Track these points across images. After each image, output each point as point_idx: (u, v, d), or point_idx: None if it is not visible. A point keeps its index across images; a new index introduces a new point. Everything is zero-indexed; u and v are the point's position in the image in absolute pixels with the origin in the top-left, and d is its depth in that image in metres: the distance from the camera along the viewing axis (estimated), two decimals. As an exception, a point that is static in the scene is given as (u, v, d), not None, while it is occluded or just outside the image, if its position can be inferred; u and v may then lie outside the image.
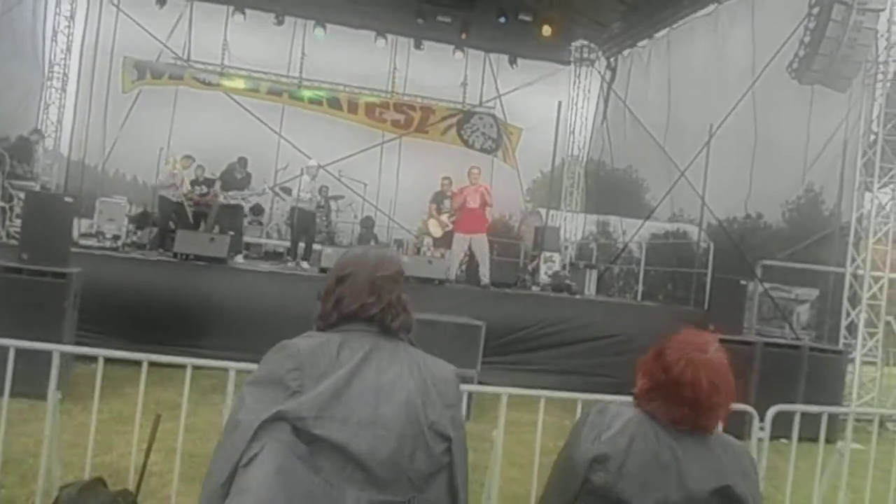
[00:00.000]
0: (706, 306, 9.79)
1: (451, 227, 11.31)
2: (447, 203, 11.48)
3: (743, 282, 9.25)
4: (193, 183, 11.51)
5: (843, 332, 9.73)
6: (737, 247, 11.28)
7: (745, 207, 12.21)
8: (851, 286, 9.77)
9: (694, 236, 12.84)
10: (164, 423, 3.56)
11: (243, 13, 14.91)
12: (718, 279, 9.63)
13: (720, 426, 1.85)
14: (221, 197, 10.96)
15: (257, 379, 1.65)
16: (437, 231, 11.71)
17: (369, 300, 1.73)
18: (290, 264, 10.91)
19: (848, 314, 9.73)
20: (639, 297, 12.72)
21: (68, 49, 14.85)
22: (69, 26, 14.85)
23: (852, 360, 9.31)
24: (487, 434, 4.04)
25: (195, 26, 15.42)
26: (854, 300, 9.73)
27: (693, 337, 1.91)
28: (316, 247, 11.26)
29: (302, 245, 11.09)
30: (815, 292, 11.12)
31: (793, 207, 12.05)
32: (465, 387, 4.32)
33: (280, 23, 15.14)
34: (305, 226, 11.17)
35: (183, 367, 3.85)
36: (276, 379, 1.61)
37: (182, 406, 3.83)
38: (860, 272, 9.72)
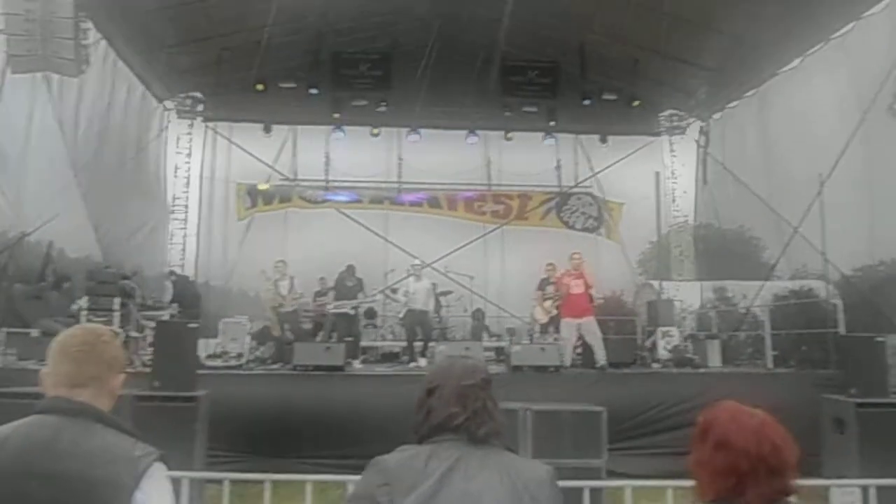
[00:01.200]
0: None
1: (556, 312, 11.21)
2: (549, 289, 11.42)
3: (880, 338, 8.42)
4: (317, 294, 11.87)
5: None
6: (867, 300, 10.47)
7: (870, 255, 11.42)
8: None
9: (821, 292, 11.97)
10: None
11: (342, 130, 15.80)
12: (851, 338, 8.86)
13: None
14: (331, 306, 11.20)
15: (352, 497, 1.77)
16: (542, 317, 11.67)
17: (455, 409, 1.78)
18: (411, 364, 10.88)
19: None
20: (769, 365, 11.82)
21: (188, 184, 16.11)
22: (188, 162, 16.16)
23: None
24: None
25: (299, 148, 16.54)
26: None
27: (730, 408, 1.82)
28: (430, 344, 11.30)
29: (420, 344, 11.12)
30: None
31: (923, 250, 11.15)
32: (585, 483, 4.12)
33: (377, 134, 15.91)
34: (418, 324, 11.24)
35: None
36: (368, 495, 1.68)
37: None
38: None
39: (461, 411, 1.78)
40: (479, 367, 1.91)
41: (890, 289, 11.14)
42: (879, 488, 4.25)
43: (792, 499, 1.70)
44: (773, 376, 10.75)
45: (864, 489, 4.31)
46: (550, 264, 11.75)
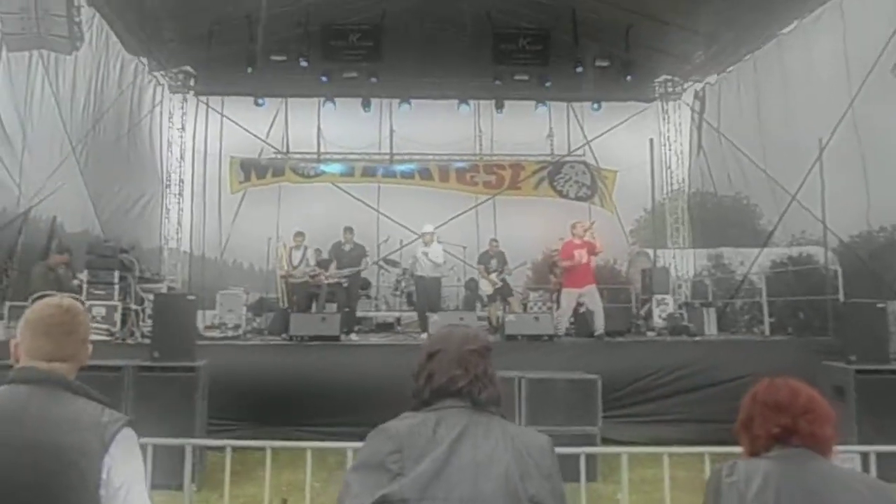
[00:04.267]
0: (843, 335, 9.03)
1: (500, 283, 12.10)
2: (494, 262, 12.19)
3: (880, 304, 8.37)
4: (318, 264, 11.98)
5: None
6: (867, 267, 10.51)
7: (867, 222, 11.47)
8: None
9: (819, 258, 11.99)
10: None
11: (333, 102, 15.79)
12: (851, 304, 8.65)
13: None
14: (323, 276, 11.20)
15: (359, 464, 1.72)
16: (488, 289, 12.41)
17: (457, 372, 1.80)
18: (422, 336, 10.75)
19: None
20: (767, 332, 11.81)
21: (182, 157, 16.21)
22: (181, 136, 16.22)
23: None
24: (615, 495, 3.95)
25: (291, 120, 16.62)
26: None
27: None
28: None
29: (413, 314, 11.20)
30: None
31: (921, 213, 11.18)
32: (581, 449, 4.23)
33: (367, 105, 15.89)
34: (430, 294, 11.25)
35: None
36: (377, 463, 1.67)
37: (305, 490, 4.00)
38: None
39: (463, 374, 1.80)
40: (480, 334, 1.94)
41: (889, 255, 11.13)
42: (879, 455, 4.25)
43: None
44: (770, 343, 10.70)
45: (864, 455, 4.29)
46: (494, 240, 12.73)
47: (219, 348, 8.93)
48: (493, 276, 12.22)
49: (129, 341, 8.85)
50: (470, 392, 1.79)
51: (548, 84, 14.91)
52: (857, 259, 11.01)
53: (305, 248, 11.51)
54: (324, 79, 14.53)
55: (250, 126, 16.08)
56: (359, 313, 12.64)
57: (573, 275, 10.54)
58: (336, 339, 9.56)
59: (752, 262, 14.08)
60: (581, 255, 10.42)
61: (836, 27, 11.69)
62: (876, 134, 10.90)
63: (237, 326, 10.60)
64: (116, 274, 9.36)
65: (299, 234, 11.51)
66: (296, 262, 11.16)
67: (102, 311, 8.97)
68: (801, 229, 13.00)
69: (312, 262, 11.38)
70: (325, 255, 12.05)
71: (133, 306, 9.57)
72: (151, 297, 9.51)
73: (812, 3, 11.99)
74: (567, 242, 10.81)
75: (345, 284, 11.20)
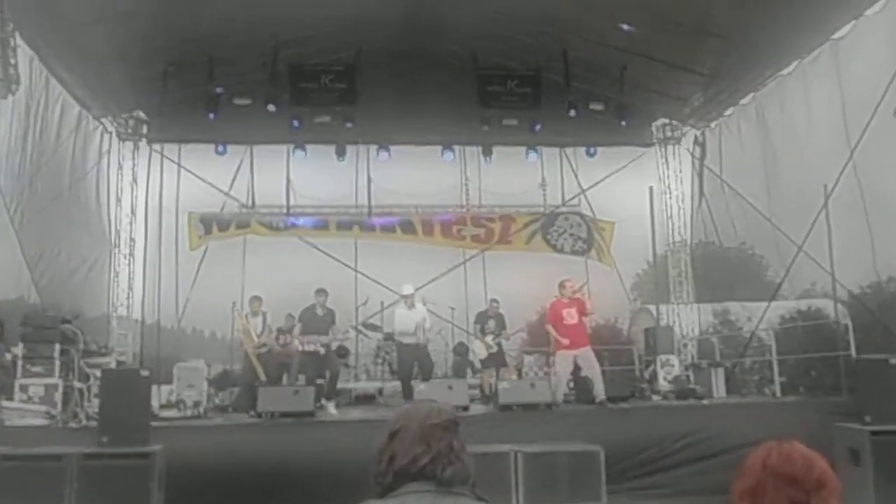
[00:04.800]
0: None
1: (495, 348, 12.22)
2: (491, 323, 12.33)
3: (893, 360, 8.50)
4: (279, 331, 11.80)
5: None
6: (878, 319, 10.64)
7: (875, 272, 11.62)
8: None
9: (829, 312, 12.18)
10: None
11: (304, 149, 15.71)
12: (864, 361, 8.95)
13: None
14: (297, 343, 11.09)
15: None
16: (482, 352, 12.41)
17: (419, 450, 1.78)
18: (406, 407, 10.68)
19: None
20: (778, 393, 12.04)
21: (133, 213, 15.93)
22: (132, 189, 15.98)
23: None
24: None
25: (257, 170, 16.48)
26: None
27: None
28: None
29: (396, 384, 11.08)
30: None
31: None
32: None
33: (342, 153, 15.84)
34: (415, 361, 11.20)
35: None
36: None
37: None
38: None
39: (425, 451, 1.78)
40: (447, 409, 1.93)
41: (901, 309, 11.34)
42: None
43: None
44: (782, 405, 10.99)
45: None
46: (494, 300, 12.91)
47: (177, 430, 8.71)
48: (489, 338, 12.24)
49: (73, 425, 8.51)
50: (433, 470, 1.77)
51: (539, 128, 15.01)
52: (867, 312, 11.24)
53: (264, 315, 11.47)
54: (295, 123, 14.41)
55: (210, 177, 15.96)
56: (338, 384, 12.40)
57: (564, 336, 10.74)
58: (310, 414, 9.39)
59: (759, 318, 14.24)
60: (571, 316, 10.68)
61: (837, 67, 12.02)
62: (878, 179, 11.15)
63: (197, 404, 10.31)
64: (57, 347, 9.10)
65: (256, 300, 11.53)
66: (257, 331, 11.04)
67: (41, 390, 8.69)
68: (811, 281, 13.29)
69: (274, 329, 11.27)
70: (295, 321, 11.86)
71: (77, 384, 9.26)
72: (98, 372, 9.22)
73: (810, 43, 12.30)
74: (554, 303, 11.04)
75: (322, 352, 11.02)
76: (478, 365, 13.08)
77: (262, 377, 11.09)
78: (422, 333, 11.46)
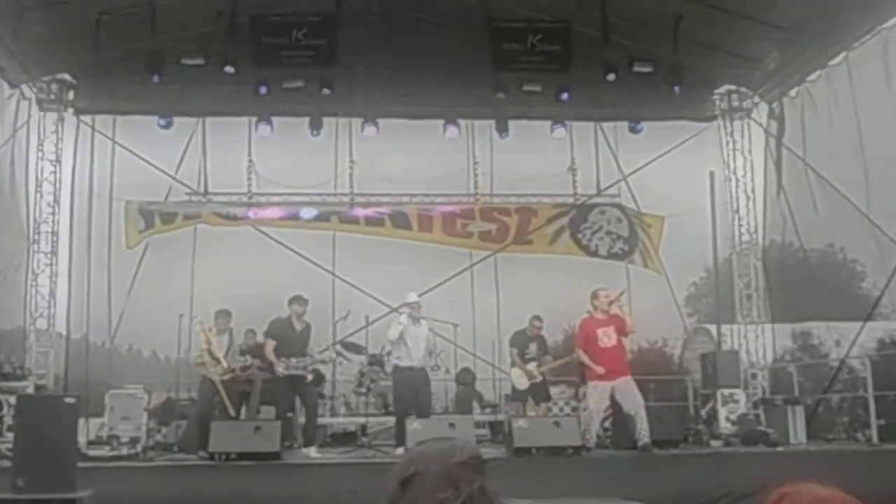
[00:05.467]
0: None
1: (539, 378, 12.25)
2: (533, 347, 12.41)
3: None
4: (241, 350, 11.95)
5: None
6: None
7: None
8: None
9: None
10: None
11: (269, 123, 15.86)
12: None
13: None
14: (281, 367, 11.03)
15: None
16: (521, 382, 12.46)
17: (445, 495, 1.77)
18: (398, 451, 10.70)
19: None
20: (874, 439, 11.94)
21: (56, 200, 15.96)
22: (55, 172, 15.99)
23: None
24: None
25: (211, 148, 16.68)
26: None
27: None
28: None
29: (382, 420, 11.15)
30: None
31: None
32: None
33: (317, 127, 15.99)
34: (416, 390, 11.20)
35: None
36: None
37: None
38: None
39: (453, 496, 1.76)
40: (468, 444, 1.93)
41: None
42: None
43: None
44: (880, 455, 10.85)
45: None
46: (536, 317, 12.78)
47: (110, 472, 8.84)
48: (532, 366, 12.36)
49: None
50: None
51: (568, 97, 15.04)
52: None
53: (231, 332, 11.54)
54: (262, 90, 14.51)
55: (153, 157, 16.17)
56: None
57: (599, 362, 10.77)
58: (275, 456, 9.52)
59: (852, 342, 14.14)
60: (607, 336, 10.70)
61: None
62: None
63: (135, 441, 10.52)
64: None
65: (223, 315, 11.54)
66: (221, 353, 11.16)
67: (-58, 421, 8.90)
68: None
69: (239, 354, 11.41)
70: (259, 338, 12.05)
71: (-13, 413, 9.50)
72: (13, 399, 9.44)
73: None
74: (586, 320, 11.15)
75: (308, 378, 11.28)
76: (489, 396, 13.20)
77: (232, 411, 11.19)
78: (431, 356, 11.63)
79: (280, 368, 10.96)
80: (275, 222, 16.86)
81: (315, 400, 11.85)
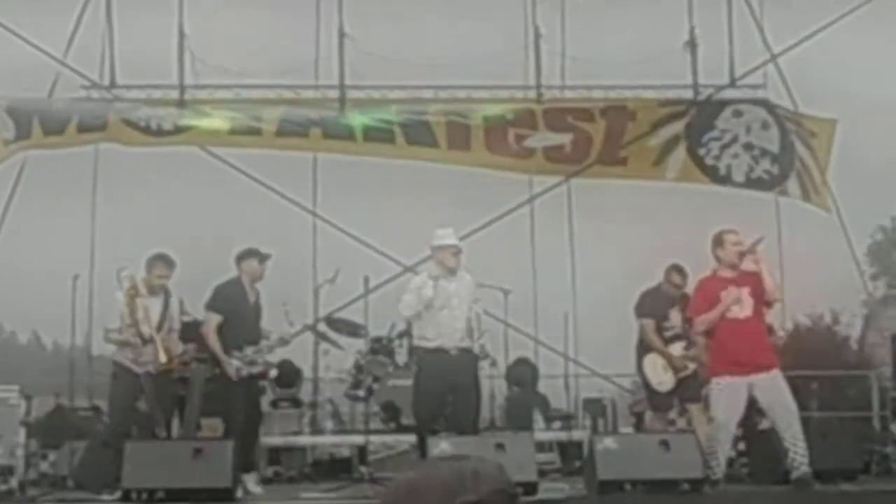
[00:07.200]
0: None
1: (689, 370, 11.87)
2: (674, 316, 12.08)
3: None
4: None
5: None
6: None
7: None
8: None
9: None
10: None
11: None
12: None
13: None
14: (235, 363, 11.18)
15: None
16: (664, 379, 12.15)
17: None
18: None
19: None
20: None
21: None
22: None
23: None
24: None
25: (120, 17, 16.68)
26: None
27: None
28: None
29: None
30: None
31: None
32: None
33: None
34: (453, 389, 11.12)
35: None
36: None
37: None
38: None
39: None
40: (486, 470, 1.87)
41: None
42: None
43: None
44: None
45: None
46: (675, 266, 12.45)
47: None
48: (677, 346, 12.16)
49: None
50: None
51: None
52: None
53: (168, 294, 11.56)
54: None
55: (30, 31, 16.20)
56: (272, 439, 12.75)
57: (730, 345, 10.79)
58: (227, 494, 9.63)
59: None
60: (739, 304, 10.67)
61: None
62: None
63: (6, 472, 10.68)
64: None
65: (160, 261, 11.48)
66: (153, 326, 11.13)
67: None
68: None
69: (177, 326, 11.47)
70: (193, 314, 12.15)
71: None
72: None
73: None
74: (707, 280, 11.13)
75: (272, 374, 11.59)
76: (557, 403, 13.30)
77: (161, 426, 11.24)
78: (472, 336, 11.25)
79: (234, 366, 11.10)
80: (221, 135, 16.89)
81: (258, 409, 12.02)
